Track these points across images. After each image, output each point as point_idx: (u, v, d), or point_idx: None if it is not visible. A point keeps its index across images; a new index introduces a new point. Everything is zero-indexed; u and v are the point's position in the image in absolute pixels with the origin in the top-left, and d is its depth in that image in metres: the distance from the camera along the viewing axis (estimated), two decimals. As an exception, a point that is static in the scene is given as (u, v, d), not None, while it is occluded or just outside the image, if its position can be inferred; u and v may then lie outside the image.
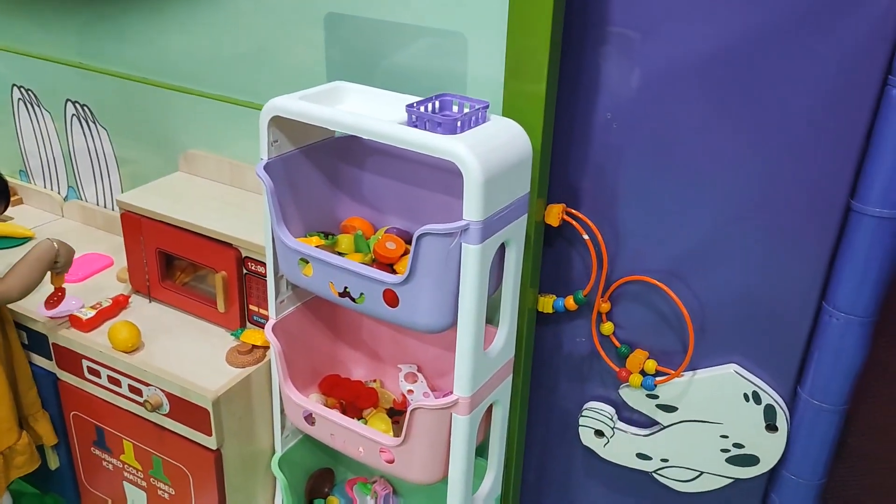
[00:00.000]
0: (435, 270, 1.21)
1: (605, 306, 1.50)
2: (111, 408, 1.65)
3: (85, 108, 2.01)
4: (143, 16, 1.83)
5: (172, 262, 1.75)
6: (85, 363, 1.64)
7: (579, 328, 1.56)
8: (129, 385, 1.59)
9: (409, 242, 1.46)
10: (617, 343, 1.52)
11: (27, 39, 2.05)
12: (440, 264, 1.20)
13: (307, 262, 1.35)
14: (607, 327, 1.51)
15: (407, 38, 1.49)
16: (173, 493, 1.66)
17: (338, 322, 1.67)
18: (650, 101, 1.34)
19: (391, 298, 1.27)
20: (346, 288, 1.32)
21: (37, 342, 1.71)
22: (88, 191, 2.14)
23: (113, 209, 2.10)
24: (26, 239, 2.04)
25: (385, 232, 1.49)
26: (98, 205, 2.13)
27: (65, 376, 1.70)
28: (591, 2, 1.32)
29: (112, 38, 1.90)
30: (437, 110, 1.28)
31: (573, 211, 1.45)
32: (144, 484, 1.71)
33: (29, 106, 2.13)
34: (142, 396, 1.57)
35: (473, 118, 1.23)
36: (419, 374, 1.64)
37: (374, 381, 1.68)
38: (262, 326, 1.64)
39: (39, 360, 1.74)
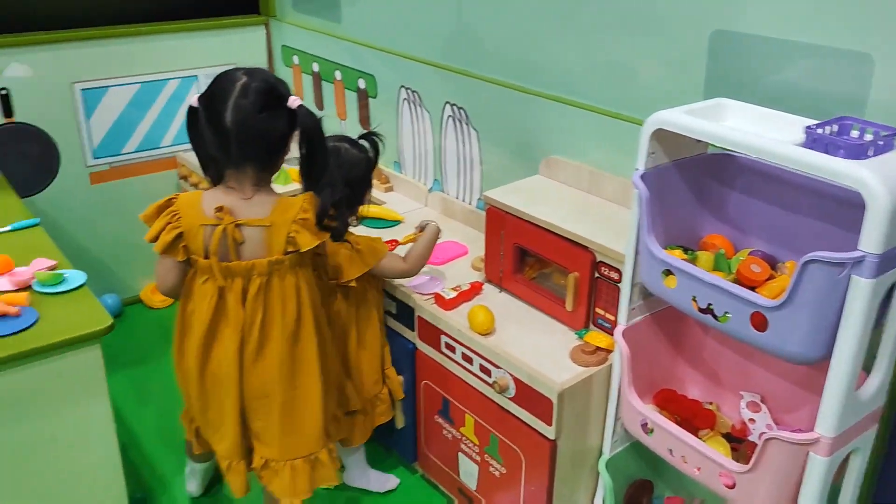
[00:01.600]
0: (815, 299, 1.16)
1: None
2: (460, 382, 1.81)
3: (461, 110, 2.22)
4: (509, 27, 1.99)
5: (523, 257, 1.87)
6: (443, 338, 1.81)
7: (963, 387, 1.39)
8: (480, 364, 1.73)
9: (773, 267, 1.41)
10: None
11: (414, 46, 2.33)
12: (822, 294, 1.15)
13: (670, 274, 1.37)
14: None
15: (799, 56, 1.43)
16: (504, 472, 1.77)
17: (681, 338, 1.66)
18: None
19: (759, 322, 1.24)
20: (709, 305, 1.31)
21: (404, 313, 1.93)
22: (450, 184, 2.36)
23: (470, 203, 2.29)
24: (397, 222, 2.30)
25: (749, 254, 1.45)
26: (457, 198, 2.34)
27: (423, 347, 1.90)
28: None
29: (486, 47, 2.08)
30: (835, 134, 1.22)
31: (977, 255, 1.29)
32: (478, 458, 1.85)
33: (412, 105, 2.40)
34: (490, 377, 1.70)
35: (880, 144, 1.15)
36: (762, 405, 1.57)
37: (711, 403, 1.65)
38: (605, 329, 1.69)
39: (403, 330, 1.95)
